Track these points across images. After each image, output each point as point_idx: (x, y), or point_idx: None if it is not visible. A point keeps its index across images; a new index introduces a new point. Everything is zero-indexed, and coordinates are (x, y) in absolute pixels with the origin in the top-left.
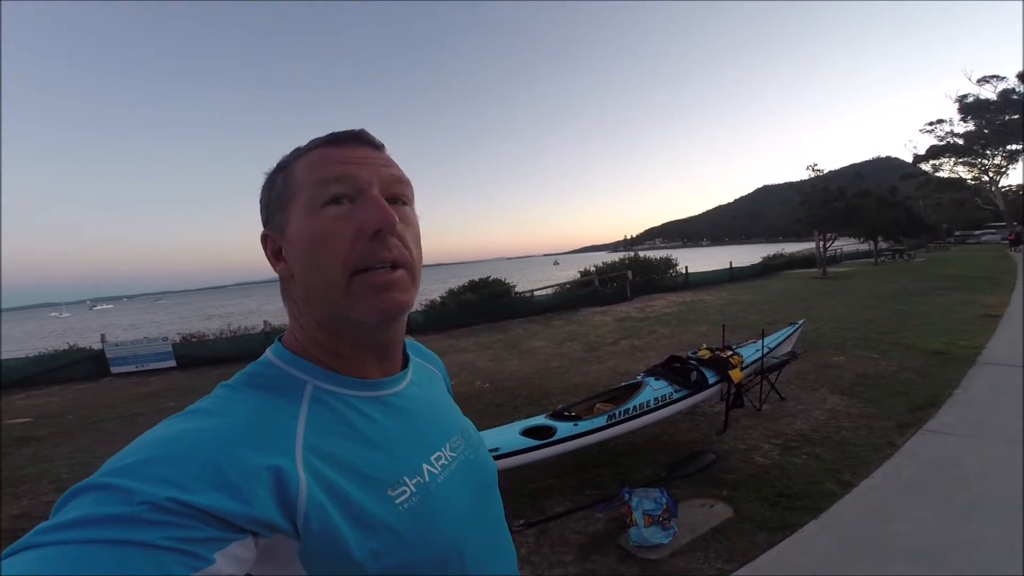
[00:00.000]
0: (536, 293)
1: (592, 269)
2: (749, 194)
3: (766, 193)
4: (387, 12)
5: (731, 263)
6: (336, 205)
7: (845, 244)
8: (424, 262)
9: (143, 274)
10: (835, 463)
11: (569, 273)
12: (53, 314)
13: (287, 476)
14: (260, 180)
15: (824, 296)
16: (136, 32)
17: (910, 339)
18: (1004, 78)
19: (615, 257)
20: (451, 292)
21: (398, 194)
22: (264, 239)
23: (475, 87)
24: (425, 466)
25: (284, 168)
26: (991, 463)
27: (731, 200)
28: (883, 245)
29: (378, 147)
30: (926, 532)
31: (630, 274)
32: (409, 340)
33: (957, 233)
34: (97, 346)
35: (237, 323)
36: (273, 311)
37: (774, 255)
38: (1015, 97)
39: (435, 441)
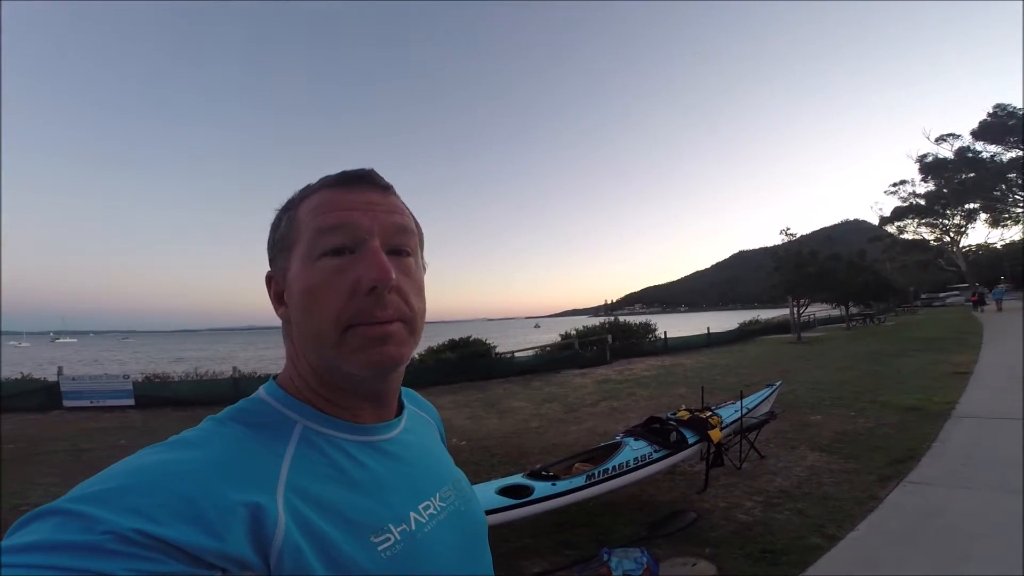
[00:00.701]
0: (517, 354)
1: (573, 332)
2: (725, 259)
3: (742, 259)
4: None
5: (708, 328)
6: (334, 257)
7: (818, 309)
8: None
9: (112, 311)
10: (819, 517)
11: (550, 336)
12: (12, 343)
13: (265, 513)
14: (242, 224)
15: (799, 360)
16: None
17: (885, 397)
18: (959, 136)
19: (596, 321)
20: (430, 350)
21: (401, 244)
22: (268, 280)
23: (458, 145)
24: (412, 514)
25: (290, 209)
26: (978, 511)
27: (708, 266)
28: (854, 310)
29: (385, 189)
30: None
31: (610, 338)
32: (405, 389)
33: (923, 296)
34: (52, 378)
35: (206, 367)
36: (244, 358)
37: (750, 321)
38: (970, 155)
39: (425, 489)
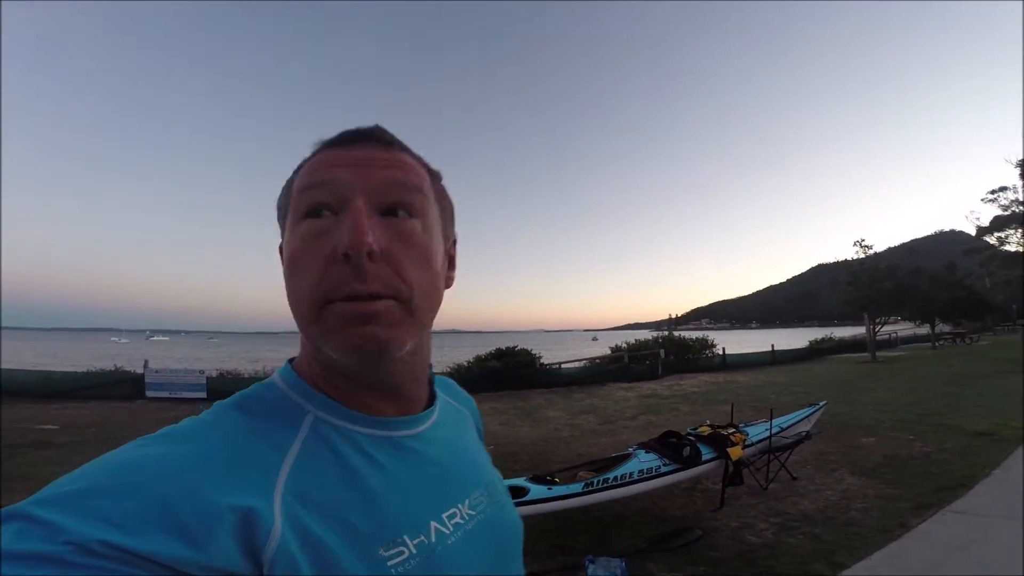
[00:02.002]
0: (564, 366)
1: (624, 346)
2: (802, 273)
3: (821, 273)
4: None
5: (773, 346)
6: (315, 218)
7: (901, 328)
8: (455, 328)
9: (201, 312)
10: (832, 543)
11: (602, 348)
12: (113, 339)
13: (258, 518)
14: None
15: (867, 379)
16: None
17: (954, 421)
18: None
19: (656, 335)
20: (477, 358)
21: (399, 202)
22: (280, 251)
23: (522, 150)
24: (434, 524)
25: (295, 172)
26: (1013, 543)
27: (783, 280)
28: (943, 328)
29: (388, 144)
30: None
31: (662, 352)
32: (441, 377)
33: None
34: (140, 371)
35: (274, 366)
36: None
37: (822, 339)
38: None
39: (453, 495)
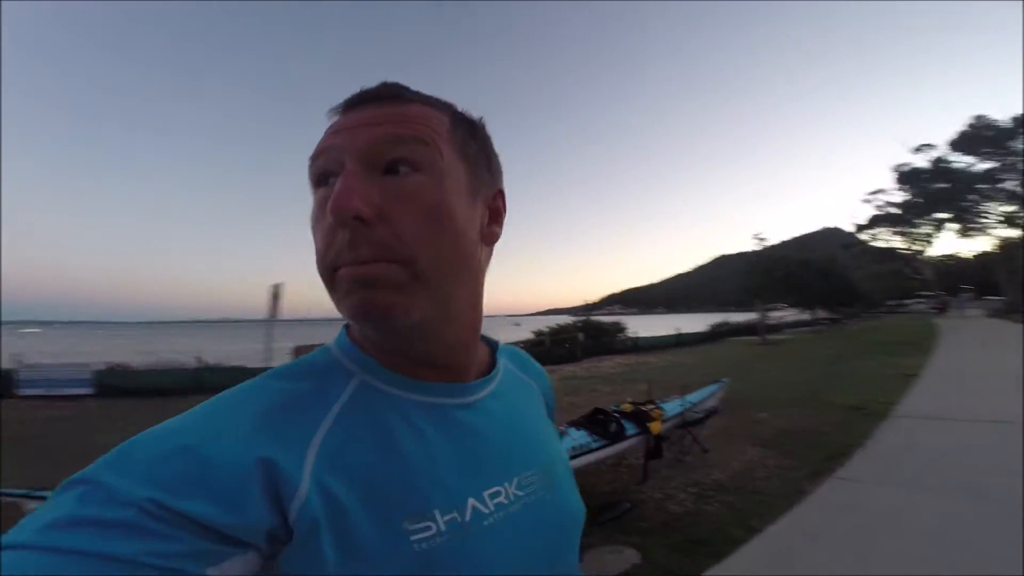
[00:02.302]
0: None
1: (546, 331)
2: (708, 263)
3: (724, 262)
4: None
5: (679, 329)
6: (322, 188)
7: (788, 314)
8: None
9: (86, 299)
10: (745, 510)
11: (525, 334)
12: None
13: (287, 477)
14: (224, 213)
15: (760, 360)
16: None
17: (833, 397)
18: (936, 146)
19: (574, 319)
20: None
21: (397, 158)
22: None
23: None
24: (472, 501)
25: None
26: (893, 508)
27: (690, 269)
28: (821, 314)
29: (389, 99)
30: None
31: (581, 336)
32: (508, 346)
33: (889, 303)
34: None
35: (170, 358)
36: (215, 352)
37: (720, 323)
38: (943, 166)
39: (499, 472)
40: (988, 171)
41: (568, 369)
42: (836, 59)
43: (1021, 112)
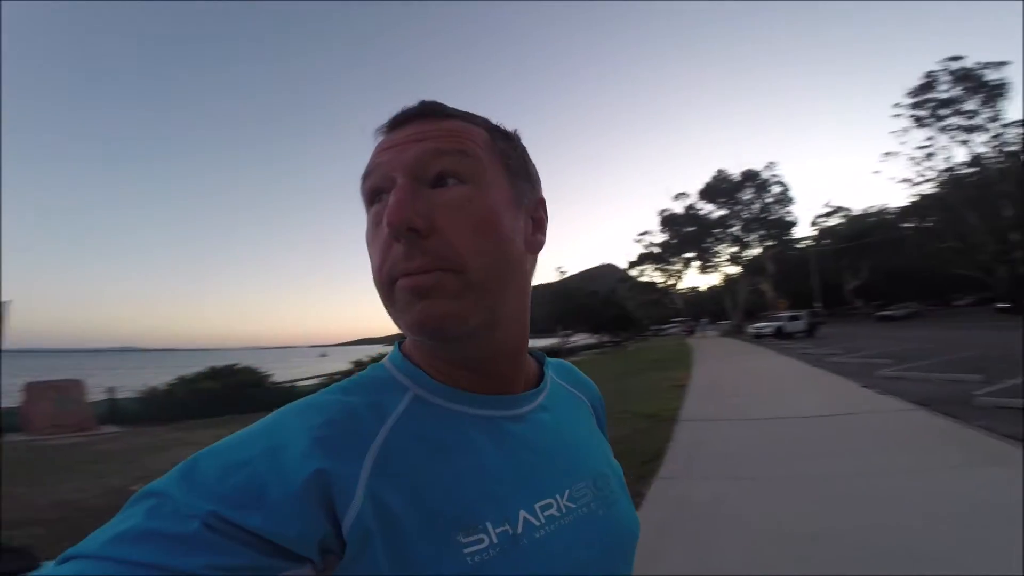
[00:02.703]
0: (298, 384)
1: (368, 360)
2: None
3: (537, 293)
4: None
5: None
6: (378, 204)
7: (580, 338)
8: (148, 346)
9: None
10: None
11: (340, 365)
12: None
13: (342, 490)
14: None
15: None
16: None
17: (632, 407)
18: (689, 195)
19: (385, 349)
20: (182, 379)
21: (443, 171)
22: None
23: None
24: (523, 513)
25: None
26: (712, 496)
27: None
28: (607, 338)
29: (430, 115)
30: (680, 565)
31: None
32: (557, 360)
33: (653, 327)
34: None
35: None
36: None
37: (528, 348)
38: (692, 212)
39: (550, 484)
40: (721, 217)
41: None
42: (611, 114)
43: (746, 168)
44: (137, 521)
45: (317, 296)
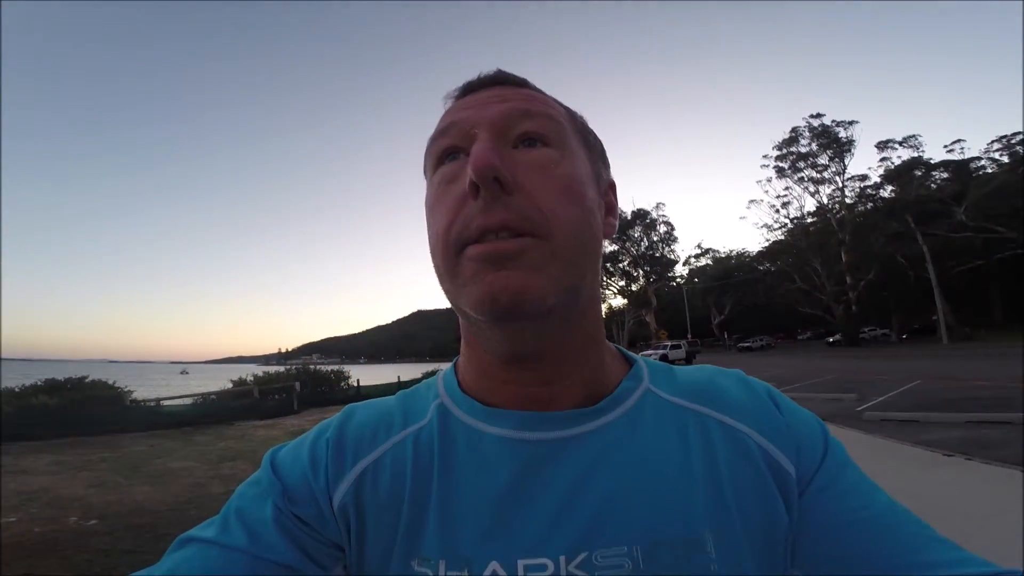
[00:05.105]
0: (165, 403)
1: (250, 379)
2: (405, 317)
3: (421, 317)
4: None
5: (399, 377)
6: (448, 164)
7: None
8: None
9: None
10: None
11: (207, 383)
12: None
13: (332, 484)
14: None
15: None
16: None
17: None
18: None
19: (268, 369)
20: (12, 393)
21: (529, 131)
22: None
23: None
24: (494, 565)
25: None
26: None
27: (390, 321)
28: None
29: (511, 83)
30: None
31: (298, 385)
32: (699, 371)
33: None
34: None
35: None
36: None
37: (433, 371)
38: None
39: (554, 540)
40: (612, 252)
41: (291, 422)
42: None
43: (637, 208)
44: (243, 502)
45: (179, 308)
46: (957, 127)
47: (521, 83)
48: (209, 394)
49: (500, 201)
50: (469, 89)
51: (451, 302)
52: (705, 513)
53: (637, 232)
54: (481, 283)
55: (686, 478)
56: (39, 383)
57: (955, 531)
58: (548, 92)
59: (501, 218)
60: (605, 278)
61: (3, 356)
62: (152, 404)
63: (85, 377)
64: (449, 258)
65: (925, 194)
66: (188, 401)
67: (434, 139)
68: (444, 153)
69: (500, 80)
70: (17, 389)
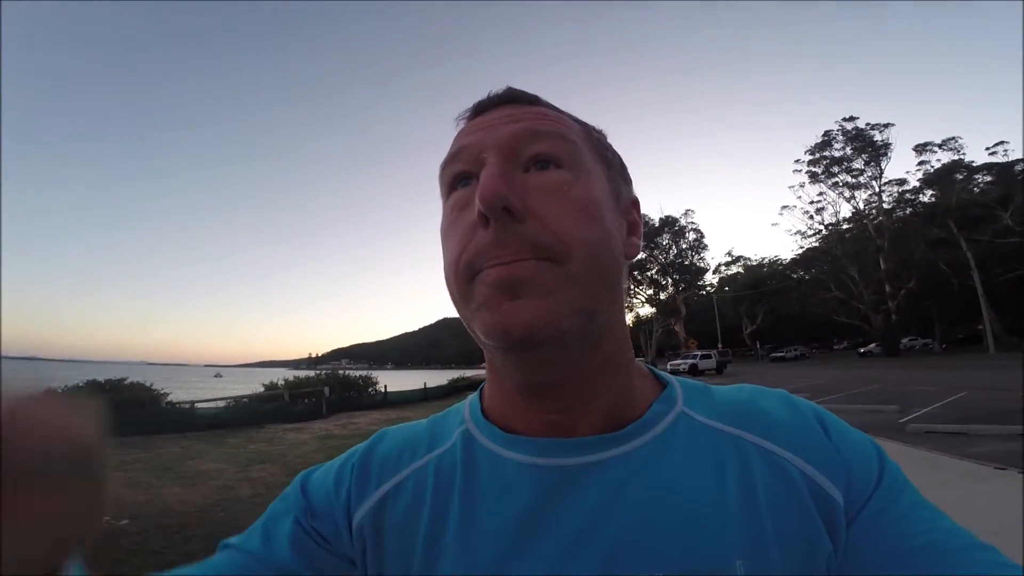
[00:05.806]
0: (199, 405)
1: (280, 383)
2: (431, 324)
3: (446, 324)
4: None
5: (425, 383)
6: (463, 188)
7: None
8: (8, 354)
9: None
10: None
11: (240, 387)
12: None
13: (353, 508)
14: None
15: None
16: None
17: None
18: None
19: (298, 374)
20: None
21: (541, 153)
22: None
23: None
24: None
25: None
26: None
27: (416, 328)
28: None
29: (520, 101)
30: None
31: (327, 390)
32: (738, 392)
33: None
34: None
35: None
36: None
37: (458, 378)
38: None
39: (574, 568)
40: (639, 261)
41: (319, 427)
42: None
43: (666, 214)
44: (271, 512)
45: (214, 313)
46: (1000, 129)
47: (532, 100)
48: (241, 397)
49: (511, 230)
50: (479, 109)
51: (466, 325)
52: (739, 542)
53: (665, 240)
54: (495, 312)
55: (719, 505)
56: (81, 384)
57: (1012, 548)
58: (572, 100)
59: (512, 251)
60: (632, 286)
61: (49, 357)
62: (186, 406)
63: (124, 379)
64: (462, 285)
65: (968, 198)
66: (220, 404)
67: (445, 164)
68: (456, 179)
69: (510, 99)
70: (60, 390)
